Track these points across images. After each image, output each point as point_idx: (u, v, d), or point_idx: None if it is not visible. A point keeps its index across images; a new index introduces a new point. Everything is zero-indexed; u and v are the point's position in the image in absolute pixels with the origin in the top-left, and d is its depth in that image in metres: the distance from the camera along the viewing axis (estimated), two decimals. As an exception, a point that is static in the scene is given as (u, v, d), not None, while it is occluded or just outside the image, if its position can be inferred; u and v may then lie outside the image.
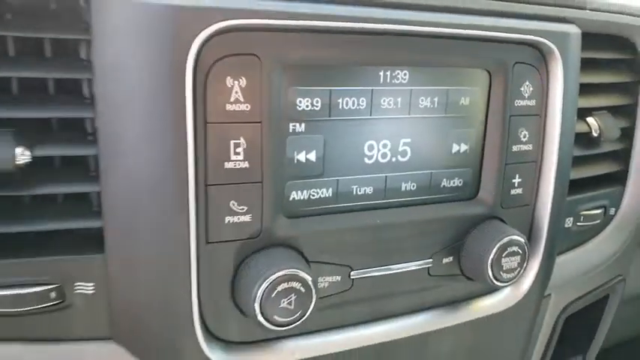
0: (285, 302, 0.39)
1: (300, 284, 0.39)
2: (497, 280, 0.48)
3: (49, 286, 0.37)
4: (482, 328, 0.53)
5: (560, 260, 0.59)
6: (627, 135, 0.63)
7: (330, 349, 0.45)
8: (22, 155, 0.35)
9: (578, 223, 0.60)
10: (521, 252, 0.48)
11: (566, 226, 0.59)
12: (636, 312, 0.84)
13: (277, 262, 0.39)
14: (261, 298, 0.39)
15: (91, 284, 0.38)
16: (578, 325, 0.71)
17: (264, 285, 0.38)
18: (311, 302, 0.40)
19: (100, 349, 0.40)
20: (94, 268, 0.38)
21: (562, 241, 0.59)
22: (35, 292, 0.37)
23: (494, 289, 0.53)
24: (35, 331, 0.38)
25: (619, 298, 0.69)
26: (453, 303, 0.51)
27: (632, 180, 0.64)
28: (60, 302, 0.38)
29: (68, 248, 0.38)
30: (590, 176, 0.61)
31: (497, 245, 0.47)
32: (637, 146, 0.63)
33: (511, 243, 0.48)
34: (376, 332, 0.47)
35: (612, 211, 0.64)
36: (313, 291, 0.40)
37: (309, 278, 0.39)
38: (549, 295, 0.59)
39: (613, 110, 0.60)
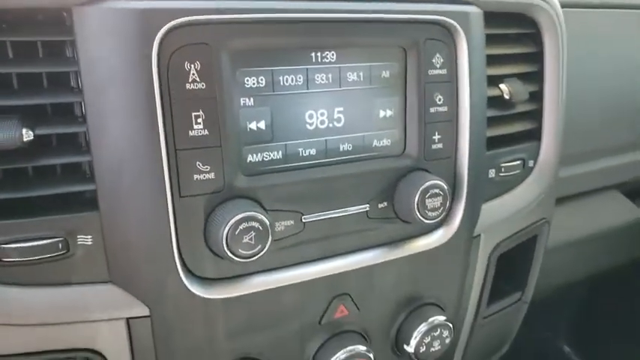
0: (247, 238, 0.49)
1: (257, 223, 0.49)
2: (424, 217, 0.59)
3: (56, 239, 0.47)
4: (421, 263, 0.63)
5: (488, 206, 0.70)
6: (538, 98, 0.74)
7: (288, 281, 0.55)
8: (27, 134, 0.45)
9: (500, 174, 0.71)
10: (442, 193, 0.59)
11: (490, 176, 0.70)
12: (561, 261, 0.96)
13: (238, 208, 0.49)
14: (227, 237, 0.48)
15: (90, 236, 0.48)
16: (513, 265, 0.82)
17: (229, 225, 0.48)
18: (268, 238, 0.50)
19: (100, 290, 0.49)
20: (91, 224, 0.48)
21: (488, 189, 0.70)
22: (45, 245, 0.46)
23: (427, 231, 0.64)
24: (46, 277, 0.48)
25: (545, 238, 0.80)
26: (393, 242, 0.62)
27: (546, 135, 0.75)
28: (65, 252, 0.47)
29: (69, 209, 0.48)
30: (510, 134, 0.72)
31: (421, 188, 0.58)
32: (547, 106, 0.74)
33: (432, 186, 0.58)
34: (327, 267, 0.58)
35: (531, 163, 0.75)
36: (269, 228, 0.50)
37: (264, 218, 0.49)
38: (479, 235, 0.70)
39: (522, 77, 0.71)
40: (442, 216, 0.60)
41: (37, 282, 0.48)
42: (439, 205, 0.59)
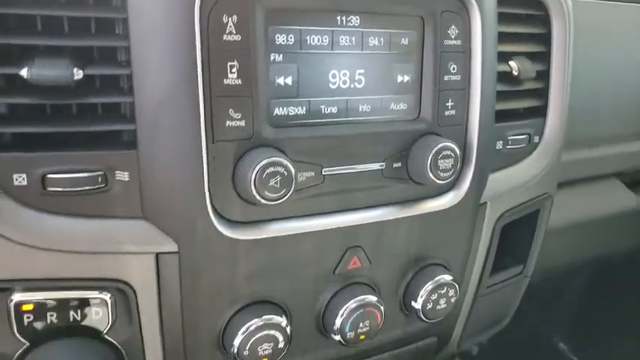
0: (273, 182, 0.53)
1: (282, 168, 0.53)
2: (436, 178, 0.62)
3: (96, 173, 0.50)
4: (431, 223, 0.67)
5: (494, 176, 0.74)
6: (545, 77, 0.78)
7: (307, 230, 0.59)
8: (77, 73, 0.48)
9: (507, 147, 0.75)
10: (453, 155, 0.62)
11: (497, 148, 0.74)
12: (561, 243, 1.00)
13: (265, 154, 0.53)
14: (255, 179, 0.52)
15: (127, 173, 0.52)
16: (516, 240, 0.85)
17: (258, 168, 0.52)
18: (292, 183, 0.53)
19: (134, 225, 0.53)
20: (129, 161, 0.51)
21: (495, 160, 0.73)
22: (86, 177, 0.50)
23: (438, 193, 0.67)
24: (85, 209, 0.51)
25: (548, 213, 0.84)
26: (405, 202, 0.65)
27: (551, 113, 0.79)
28: (104, 186, 0.51)
29: (109, 146, 0.51)
30: (518, 110, 0.76)
31: (435, 149, 0.61)
32: (553, 85, 0.78)
33: (445, 148, 0.62)
34: (343, 220, 0.61)
35: (536, 139, 0.79)
36: (293, 174, 0.53)
37: (289, 164, 0.53)
38: (485, 203, 0.73)
39: (530, 56, 0.75)
40: (453, 177, 0.63)
41: (77, 213, 0.51)
42: (450, 166, 0.63)
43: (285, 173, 0.53)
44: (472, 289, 0.80)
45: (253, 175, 0.52)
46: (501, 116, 0.72)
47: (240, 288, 0.58)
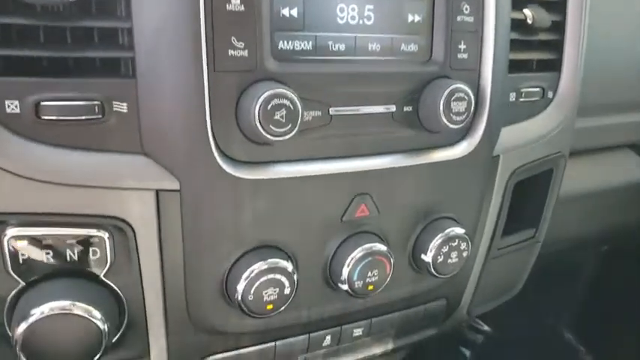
0: (278, 115, 0.50)
1: (288, 101, 0.50)
2: (449, 121, 0.60)
3: (93, 102, 0.48)
4: (441, 174, 0.64)
5: (507, 130, 0.71)
6: (560, 29, 0.75)
7: (313, 173, 0.56)
8: None
9: (521, 99, 0.72)
10: (466, 98, 0.60)
11: (510, 100, 0.71)
12: (573, 212, 0.97)
13: (270, 86, 0.51)
14: (259, 111, 0.50)
15: (125, 104, 0.49)
16: (528, 202, 0.83)
17: (262, 99, 0.49)
18: (298, 118, 0.51)
19: (133, 160, 0.50)
20: (127, 91, 0.49)
21: (508, 113, 0.71)
22: (82, 105, 0.48)
23: (450, 143, 0.65)
24: (81, 140, 0.49)
25: (561, 173, 0.81)
26: (416, 150, 0.63)
27: (566, 67, 0.76)
28: (101, 117, 0.49)
29: (107, 73, 0.49)
30: (532, 62, 0.73)
31: (447, 90, 0.59)
32: (568, 38, 0.75)
33: (458, 90, 0.59)
34: (351, 165, 0.58)
35: (550, 94, 0.76)
36: (299, 107, 0.51)
37: (294, 96, 0.50)
38: (498, 156, 0.71)
39: (546, 5, 0.73)
40: (467, 121, 0.61)
41: (73, 145, 0.49)
42: (464, 110, 0.60)
43: (291, 107, 0.51)
44: (483, 249, 0.77)
45: (257, 107, 0.50)
46: (514, 67, 0.69)
47: (244, 231, 0.56)
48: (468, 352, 1.57)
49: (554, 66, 0.75)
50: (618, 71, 0.98)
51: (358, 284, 0.61)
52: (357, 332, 0.71)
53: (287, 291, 0.57)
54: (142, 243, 0.53)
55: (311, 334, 0.67)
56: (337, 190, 0.59)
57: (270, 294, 0.56)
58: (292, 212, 0.57)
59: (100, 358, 0.52)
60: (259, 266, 0.55)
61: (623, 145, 1.09)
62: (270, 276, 0.55)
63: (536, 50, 0.73)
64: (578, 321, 1.56)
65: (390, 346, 0.78)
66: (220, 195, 0.53)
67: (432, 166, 0.64)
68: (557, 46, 0.75)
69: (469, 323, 1.05)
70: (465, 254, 0.67)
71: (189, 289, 0.57)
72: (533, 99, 0.73)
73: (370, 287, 0.61)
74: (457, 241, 0.65)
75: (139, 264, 0.54)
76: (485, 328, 1.59)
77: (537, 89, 0.73)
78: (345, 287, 0.61)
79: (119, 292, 0.54)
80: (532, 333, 1.60)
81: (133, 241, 0.53)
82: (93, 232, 0.51)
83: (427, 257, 0.65)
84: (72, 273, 0.52)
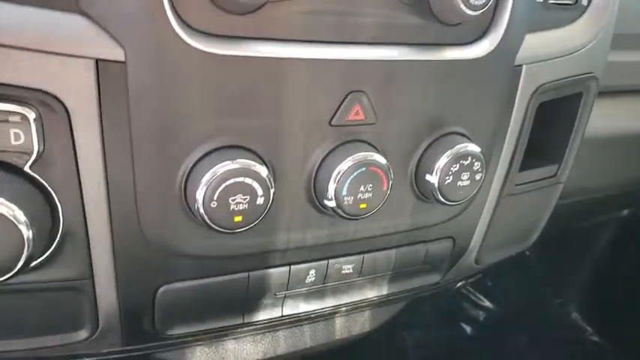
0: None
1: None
2: (466, 6, 0.49)
3: None
4: (452, 77, 0.53)
5: (533, 37, 0.60)
6: None
7: (296, 55, 0.45)
8: None
9: (550, 1, 0.61)
10: (488, -22, 0.49)
11: (537, 0, 0.60)
12: (597, 155, 0.87)
13: None
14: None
15: None
16: (552, 131, 0.72)
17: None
18: None
19: (66, 19, 0.39)
20: None
21: (535, 15, 0.59)
22: None
23: (464, 42, 0.54)
24: None
25: (592, 100, 0.70)
26: (425, 44, 0.52)
27: (606, -29, 0.65)
28: None
29: None
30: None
31: (465, -34, 0.48)
32: None
33: (478, -36, 0.48)
34: (344, 52, 0.47)
35: (585, 1, 0.64)
36: None
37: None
38: (521, 66, 0.60)
39: None
40: (487, 9, 0.50)
41: None
42: (484, -9, 0.49)
43: None
44: (498, 182, 0.67)
45: None
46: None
47: (207, 122, 0.45)
48: (469, 329, 1.50)
49: (591, -32, 0.64)
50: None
51: (348, 201, 0.50)
52: (347, 269, 0.61)
53: (260, 201, 0.46)
54: (78, 127, 0.42)
55: (292, 266, 0.57)
56: (326, 83, 0.48)
57: (239, 202, 0.45)
58: (268, 106, 0.47)
59: (20, 270, 0.41)
60: (226, 165, 0.44)
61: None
62: (240, 179, 0.45)
63: (571, -55, 0.62)
64: (586, 300, 1.48)
65: (384, 290, 0.68)
66: (176, 71, 0.42)
67: (443, 66, 0.52)
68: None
69: (475, 277, 0.94)
70: (477, 177, 0.56)
71: (140, 193, 0.46)
72: (564, 2, 0.62)
73: (363, 205, 0.51)
74: (470, 159, 0.55)
75: (75, 155, 0.43)
76: (487, 303, 1.53)
77: (570, -9, 0.62)
78: (332, 204, 0.50)
79: (49, 188, 0.44)
80: (535, 310, 1.53)
81: (67, 124, 0.42)
82: (13, 107, 0.40)
83: (433, 178, 0.55)
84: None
